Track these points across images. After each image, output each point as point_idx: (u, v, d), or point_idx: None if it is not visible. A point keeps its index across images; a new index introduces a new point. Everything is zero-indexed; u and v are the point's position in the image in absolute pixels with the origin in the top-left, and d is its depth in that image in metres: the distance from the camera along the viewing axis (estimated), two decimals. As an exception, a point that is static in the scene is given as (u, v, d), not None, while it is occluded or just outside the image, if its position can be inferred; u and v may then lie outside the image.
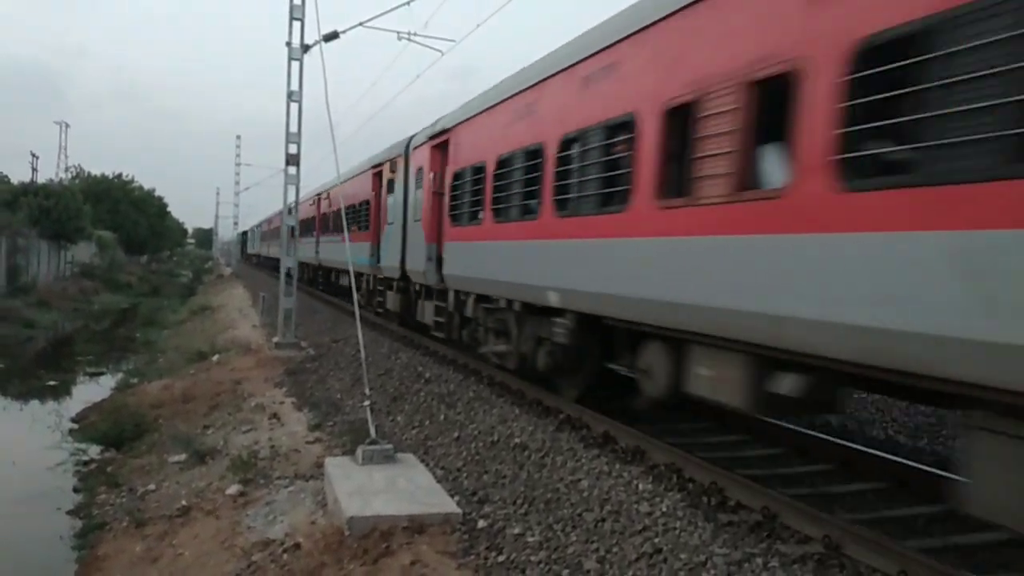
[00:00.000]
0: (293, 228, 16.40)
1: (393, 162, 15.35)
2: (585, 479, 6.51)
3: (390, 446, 7.05)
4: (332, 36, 15.43)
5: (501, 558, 5.18)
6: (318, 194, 26.13)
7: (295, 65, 15.15)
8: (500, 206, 9.70)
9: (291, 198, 15.99)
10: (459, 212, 11.30)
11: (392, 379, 11.46)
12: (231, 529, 6.61)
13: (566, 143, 8.01)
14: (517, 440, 7.83)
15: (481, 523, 5.76)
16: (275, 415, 10.04)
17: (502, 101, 9.92)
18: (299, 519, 6.36)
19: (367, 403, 7.60)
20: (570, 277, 7.84)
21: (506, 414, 8.89)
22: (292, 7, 15.06)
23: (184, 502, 7.66)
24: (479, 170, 10.42)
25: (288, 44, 15.14)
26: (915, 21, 4.08)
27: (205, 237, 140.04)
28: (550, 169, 8.27)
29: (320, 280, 28.26)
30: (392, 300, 15.63)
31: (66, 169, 63.06)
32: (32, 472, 10.38)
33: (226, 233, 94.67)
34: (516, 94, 9.45)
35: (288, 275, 15.85)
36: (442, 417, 9.15)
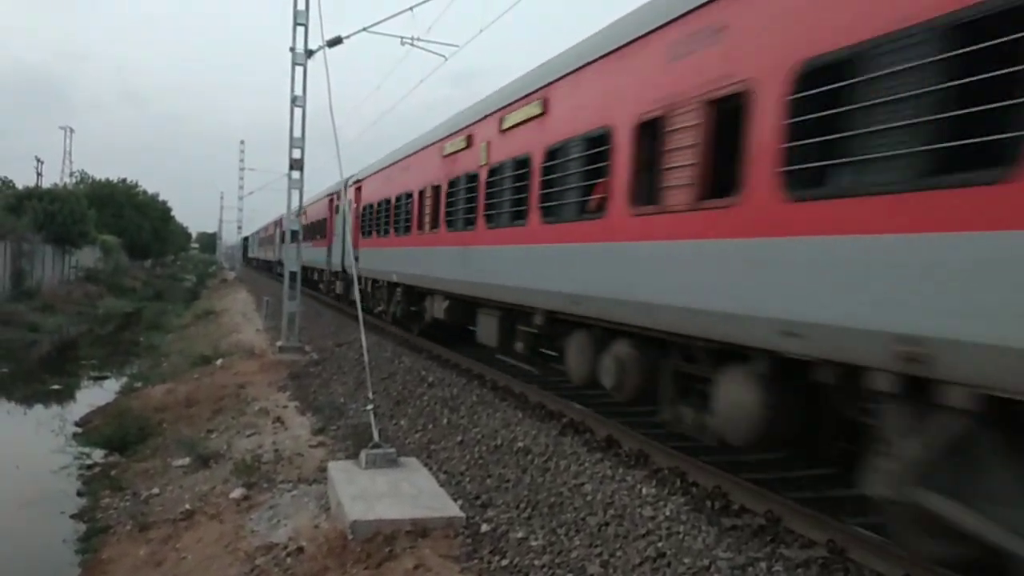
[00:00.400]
0: (296, 232, 16.45)
1: (339, 193, 22.11)
2: (588, 483, 6.51)
3: (393, 450, 7.05)
4: (336, 41, 15.48)
5: (504, 562, 5.18)
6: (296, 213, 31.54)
7: (299, 70, 15.21)
8: (377, 227, 17.55)
9: (295, 202, 16.04)
10: (364, 230, 19.05)
11: (395, 383, 11.48)
12: (234, 533, 6.62)
13: (397, 198, 15.62)
14: (520, 444, 7.83)
15: (484, 527, 5.76)
16: (279, 419, 10.05)
17: (378, 171, 17.84)
18: (302, 523, 6.36)
19: (370, 407, 7.60)
20: (398, 266, 15.13)
21: (509, 418, 8.89)
22: (296, 12, 15.10)
23: (188, 506, 7.67)
24: (370, 206, 18.56)
25: (292, 49, 15.18)
26: (456, 178, 11.67)
27: (209, 241, 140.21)
28: (392, 210, 15.99)
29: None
30: (339, 287, 23.35)
31: (71, 174, 63.40)
32: (36, 475, 10.38)
33: (230, 238, 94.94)
34: (383, 168, 17.33)
35: (292, 278, 15.89)
36: (445, 421, 9.16)
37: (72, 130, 65.78)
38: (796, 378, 5.15)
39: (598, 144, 7.37)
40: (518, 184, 9.28)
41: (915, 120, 4.12)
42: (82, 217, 40.21)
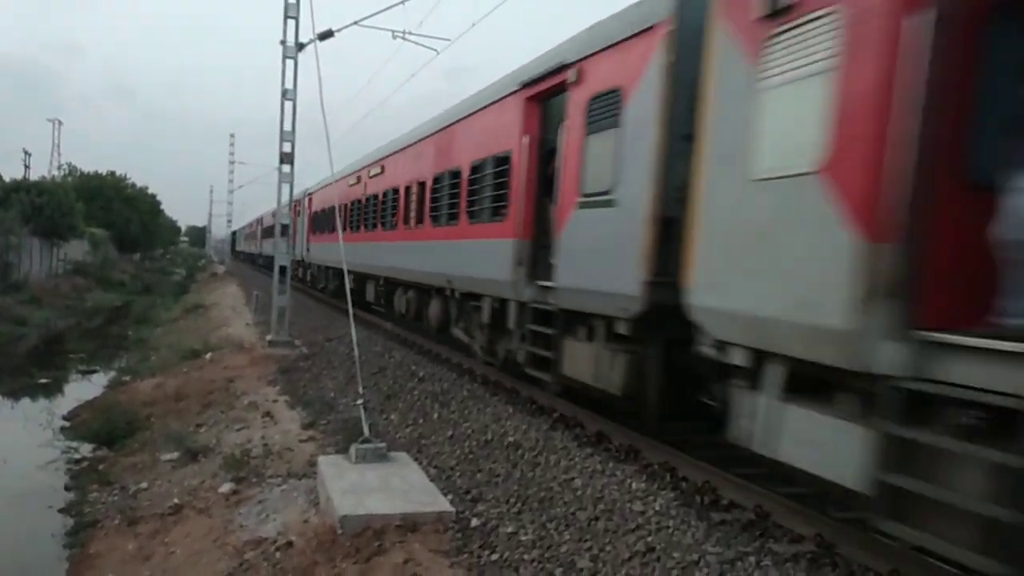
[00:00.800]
0: (286, 226, 16.38)
1: (300, 202, 28.98)
2: (578, 478, 6.52)
3: (383, 444, 7.04)
4: (327, 35, 15.38)
5: (494, 556, 5.18)
6: (273, 212, 36.25)
7: (289, 63, 15.11)
8: (321, 228, 24.26)
9: (285, 196, 15.96)
10: (313, 230, 26.28)
11: (386, 377, 11.46)
12: (223, 527, 6.59)
13: (328, 209, 21.82)
14: (511, 439, 7.83)
15: (474, 522, 5.76)
16: (268, 413, 10.01)
17: (319, 189, 24.79)
18: (292, 517, 6.34)
19: (360, 401, 7.58)
20: (329, 255, 21.18)
21: (500, 413, 8.89)
22: (287, 5, 14.99)
23: (176, 500, 7.64)
24: (316, 212, 25.25)
25: (283, 42, 15.08)
26: (355, 200, 20.33)
27: (199, 235, 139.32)
28: (325, 216, 22.88)
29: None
30: (300, 272, 31.15)
31: (59, 167, 62.87)
32: (23, 470, 10.31)
33: (219, 232, 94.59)
34: (323, 187, 23.23)
35: (282, 272, 15.83)
36: (436, 416, 9.15)
37: (60, 122, 65.20)
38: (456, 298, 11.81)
39: (396, 194, 15.40)
40: (374, 208, 17.29)
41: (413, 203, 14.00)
42: (70, 210, 39.86)
